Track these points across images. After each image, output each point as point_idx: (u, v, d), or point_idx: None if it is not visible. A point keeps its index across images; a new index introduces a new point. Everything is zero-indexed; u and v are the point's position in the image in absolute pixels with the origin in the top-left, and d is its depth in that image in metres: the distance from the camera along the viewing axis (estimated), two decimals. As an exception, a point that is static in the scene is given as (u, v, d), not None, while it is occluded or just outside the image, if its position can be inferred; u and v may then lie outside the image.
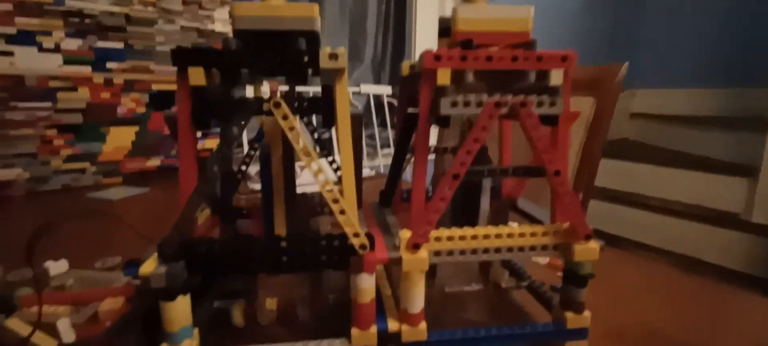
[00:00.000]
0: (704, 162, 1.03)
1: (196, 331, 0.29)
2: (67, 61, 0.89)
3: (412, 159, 0.44)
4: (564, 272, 0.31)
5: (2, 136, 0.86)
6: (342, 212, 0.27)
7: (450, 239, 0.29)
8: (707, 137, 1.05)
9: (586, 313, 0.31)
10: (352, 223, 0.27)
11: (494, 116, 0.27)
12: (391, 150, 0.56)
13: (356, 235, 0.27)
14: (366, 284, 0.28)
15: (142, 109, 0.99)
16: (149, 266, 0.26)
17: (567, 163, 0.28)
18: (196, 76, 0.27)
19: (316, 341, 0.29)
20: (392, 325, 0.30)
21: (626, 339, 0.35)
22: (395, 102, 1.27)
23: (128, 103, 0.97)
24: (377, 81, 1.71)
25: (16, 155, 0.89)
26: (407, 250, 0.28)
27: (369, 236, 0.28)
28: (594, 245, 0.29)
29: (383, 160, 1.38)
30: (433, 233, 0.29)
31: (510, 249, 0.29)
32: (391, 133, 1.42)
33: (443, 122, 0.28)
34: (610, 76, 0.72)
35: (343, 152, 0.29)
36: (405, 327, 0.29)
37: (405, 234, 0.29)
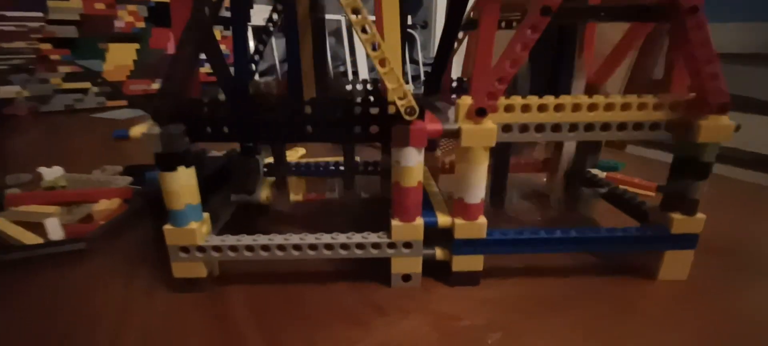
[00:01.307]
0: (748, 102, 0.96)
1: (207, 216, 0.26)
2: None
3: (465, 37, 0.38)
4: (676, 159, 0.25)
5: (-6, 48, 0.86)
6: (384, 62, 0.22)
7: (526, 108, 0.24)
8: (756, 75, 0.97)
9: (700, 215, 0.25)
10: (397, 78, 0.22)
11: None
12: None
13: (402, 96, 0.22)
14: (412, 162, 0.23)
15: (141, 24, 0.94)
16: (141, 128, 0.23)
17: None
18: None
19: (348, 233, 0.26)
20: (442, 219, 0.26)
21: (713, 251, 0.30)
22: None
23: (126, 17, 0.93)
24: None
25: (13, 71, 0.89)
26: (469, 119, 0.23)
27: (417, 98, 0.23)
28: (728, 121, 0.23)
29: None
30: (503, 101, 0.23)
31: (607, 126, 0.24)
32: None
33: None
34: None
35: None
36: (459, 221, 0.25)
37: (465, 100, 0.24)
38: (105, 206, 0.35)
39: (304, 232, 0.26)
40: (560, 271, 0.28)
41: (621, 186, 0.34)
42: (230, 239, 0.25)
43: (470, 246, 0.25)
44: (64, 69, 0.91)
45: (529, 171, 0.41)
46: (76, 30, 0.90)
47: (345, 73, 1.22)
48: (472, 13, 0.35)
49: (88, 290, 0.26)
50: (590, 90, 0.33)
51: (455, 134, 0.24)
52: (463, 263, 0.26)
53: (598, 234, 0.26)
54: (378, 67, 0.22)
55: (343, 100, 0.23)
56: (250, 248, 0.25)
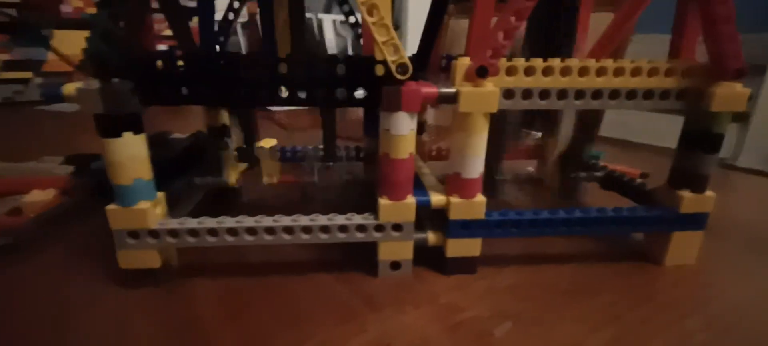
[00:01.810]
0: None
1: (161, 195, 0.22)
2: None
3: (454, 11, 0.35)
4: (685, 131, 0.24)
5: None
6: (372, 10, 0.19)
7: (530, 71, 0.21)
8: None
9: (710, 193, 0.24)
10: (388, 30, 0.19)
11: None
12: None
13: (395, 49, 0.19)
14: (404, 129, 0.21)
15: (92, 10, 0.89)
16: (77, 84, 0.19)
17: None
18: None
19: (328, 215, 0.22)
20: (436, 198, 0.23)
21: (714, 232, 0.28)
22: None
23: (74, 1, 0.85)
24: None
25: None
26: (467, 81, 0.21)
27: (411, 58, 0.20)
28: (742, 88, 0.21)
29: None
30: (504, 62, 0.21)
31: (615, 93, 0.22)
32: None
33: None
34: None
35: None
36: (455, 199, 0.22)
37: (463, 60, 0.21)
38: (38, 198, 0.30)
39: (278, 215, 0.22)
40: (560, 258, 0.26)
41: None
42: (190, 222, 0.21)
43: (467, 228, 0.23)
44: (1, 56, 0.82)
45: (518, 158, 0.39)
46: (15, 13, 0.80)
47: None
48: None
49: (17, 294, 0.22)
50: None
51: (452, 99, 0.21)
52: (459, 247, 0.23)
53: (604, 214, 0.24)
54: (366, 16, 0.19)
55: (325, 57, 0.20)
56: (213, 231, 0.21)
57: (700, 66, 0.22)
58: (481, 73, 0.20)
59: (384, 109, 0.20)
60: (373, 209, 0.23)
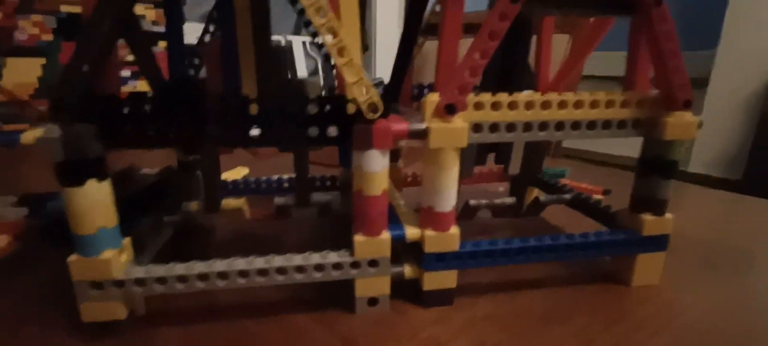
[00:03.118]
0: None
1: (127, 241, 0.21)
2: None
3: (424, 42, 0.36)
4: (642, 159, 0.25)
5: None
6: (342, 51, 0.19)
7: (496, 106, 0.22)
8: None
9: (668, 215, 0.25)
10: (357, 71, 0.20)
11: None
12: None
13: (365, 90, 0.20)
14: (377, 166, 0.21)
15: (48, 37, 0.80)
16: (35, 132, 0.18)
17: None
18: None
19: (304, 254, 0.22)
20: (411, 231, 0.23)
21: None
22: None
23: (29, 29, 0.79)
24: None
25: None
26: (437, 117, 0.21)
27: (382, 96, 0.21)
28: (692, 117, 0.23)
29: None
30: (473, 97, 0.22)
31: (577, 125, 0.23)
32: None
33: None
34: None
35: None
36: (429, 233, 0.23)
37: (432, 97, 0.21)
38: None
39: (251, 255, 0.22)
40: (533, 284, 0.26)
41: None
42: (157, 270, 0.21)
43: (442, 260, 0.23)
44: None
45: (483, 181, 0.40)
46: None
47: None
48: (430, 18, 0.34)
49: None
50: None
51: (422, 135, 0.21)
52: (436, 280, 0.23)
53: (573, 241, 0.25)
54: (336, 57, 0.19)
55: (296, 96, 0.20)
56: (183, 278, 0.21)
57: (652, 97, 0.23)
58: (449, 110, 0.21)
59: (356, 148, 0.21)
60: (349, 245, 0.22)
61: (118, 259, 0.20)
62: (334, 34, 0.19)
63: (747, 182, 0.96)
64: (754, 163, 0.95)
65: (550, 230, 0.36)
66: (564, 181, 0.36)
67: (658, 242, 0.25)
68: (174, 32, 0.27)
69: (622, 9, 0.23)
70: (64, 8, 0.81)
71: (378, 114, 0.20)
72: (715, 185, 1.04)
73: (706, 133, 0.86)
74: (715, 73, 1.05)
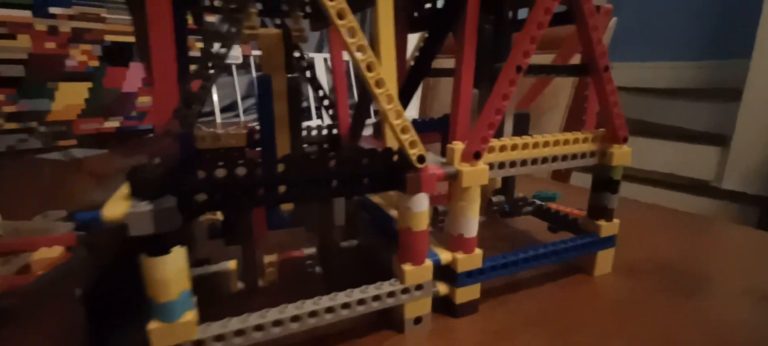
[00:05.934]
0: (678, 132, 1.11)
1: (195, 300, 0.22)
2: (1, 4, 0.79)
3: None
4: (596, 180, 0.33)
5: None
6: (380, 83, 0.23)
7: (514, 147, 0.28)
8: (683, 108, 1.11)
9: (616, 220, 0.34)
10: (409, 128, 0.24)
11: None
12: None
13: (413, 144, 0.24)
14: (423, 206, 0.25)
15: (95, 63, 0.90)
16: (119, 205, 0.18)
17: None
18: None
19: (361, 287, 0.25)
20: (445, 255, 0.28)
21: (638, 272, 0.36)
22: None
23: (79, 56, 0.87)
24: None
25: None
26: (465, 162, 0.26)
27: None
28: (627, 148, 0.32)
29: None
30: (495, 142, 0.27)
31: (561, 158, 0.30)
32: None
33: None
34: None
35: (382, 40, 0.24)
36: (460, 256, 0.27)
37: (458, 145, 0.26)
38: (44, 255, 0.29)
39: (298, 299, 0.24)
40: (524, 283, 0.33)
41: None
42: (233, 323, 0.22)
43: (470, 276, 0.28)
44: (8, 109, 0.82)
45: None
46: (23, 69, 0.81)
47: (308, 108, 1.21)
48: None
49: None
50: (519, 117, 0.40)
51: (454, 177, 0.26)
52: (466, 293, 0.28)
53: (557, 247, 0.31)
54: (374, 89, 0.22)
55: (355, 152, 0.23)
56: (259, 327, 0.22)
57: (602, 134, 0.31)
58: (476, 156, 0.26)
59: (408, 193, 0.24)
60: (396, 274, 0.26)
61: (195, 320, 0.21)
62: (371, 68, 0.22)
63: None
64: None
65: (520, 235, 0.43)
66: (551, 205, 0.42)
67: (611, 241, 0.34)
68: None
69: (581, 72, 0.31)
70: (109, 37, 0.92)
71: (425, 162, 0.24)
72: (750, 201, 0.96)
73: (740, 147, 0.75)
74: (750, 83, 0.94)
